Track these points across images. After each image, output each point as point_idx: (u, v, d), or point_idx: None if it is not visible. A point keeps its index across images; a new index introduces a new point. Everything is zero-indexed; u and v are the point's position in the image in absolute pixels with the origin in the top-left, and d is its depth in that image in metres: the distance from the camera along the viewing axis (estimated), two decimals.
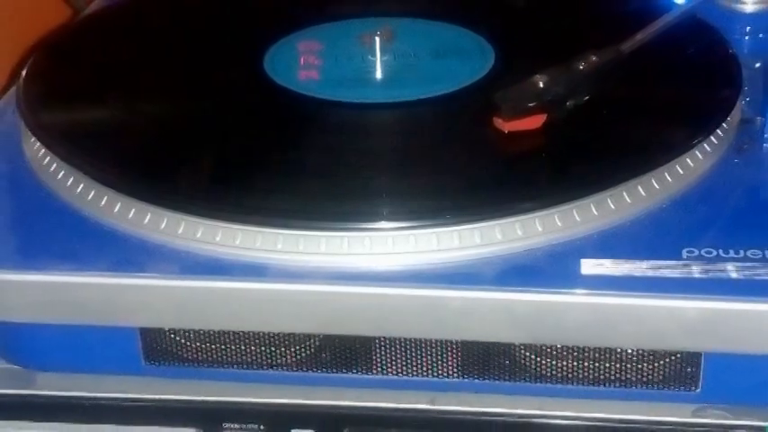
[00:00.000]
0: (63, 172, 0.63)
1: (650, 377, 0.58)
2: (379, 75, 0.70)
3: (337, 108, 0.67)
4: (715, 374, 0.57)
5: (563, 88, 0.64)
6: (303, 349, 0.59)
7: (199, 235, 0.58)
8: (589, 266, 0.56)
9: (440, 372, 0.59)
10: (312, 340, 0.59)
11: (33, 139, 0.66)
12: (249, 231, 0.58)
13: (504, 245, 0.57)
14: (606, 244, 0.57)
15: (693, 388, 0.57)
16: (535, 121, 0.63)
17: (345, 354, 0.59)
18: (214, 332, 0.59)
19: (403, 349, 0.58)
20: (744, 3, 0.78)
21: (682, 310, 0.54)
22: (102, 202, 0.60)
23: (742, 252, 0.56)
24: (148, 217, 0.59)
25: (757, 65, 0.71)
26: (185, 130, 0.67)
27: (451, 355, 0.58)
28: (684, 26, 0.71)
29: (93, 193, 0.61)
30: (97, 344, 0.59)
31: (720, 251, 0.56)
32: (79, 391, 0.60)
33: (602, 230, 0.58)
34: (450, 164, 0.62)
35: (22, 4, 0.94)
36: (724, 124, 0.64)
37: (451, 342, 0.58)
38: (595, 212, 0.59)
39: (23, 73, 0.72)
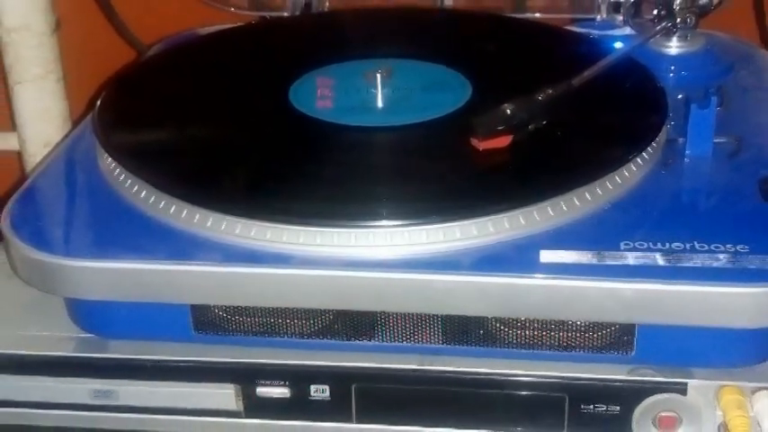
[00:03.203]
0: (130, 181, 0.63)
1: (595, 343, 0.58)
2: (380, 104, 0.70)
3: (347, 131, 0.67)
4: (646, 341, 0.57)
5: (526, 114, 0.64)
6: (320, 321, 0.59)
7: (237, 231, 0.58)
8: (547, 256, 0.56)
9: (428, 339, 0.59)
10: (327, 314, 0.59)
11: (106, 155, 0.66)
12: (277, 228, 0.58)
13: (479, 239, 0.57)
14: (560, 238, 0.57)
15: (629, 352, 0.58)
16: (504, 141, 0.63)
17: (353, 325, 0.59)
18: (249, 308, 0.59)
19: (399, 321, 0.59)
20: (669, 47, 0.78)
21: (619, 290, 0.54)
22: (161, 205, 0.61)
23: (668, 244, 0.56)
24: (197, 217, 0.59)
25: (680, 96, 0.70)
26: (226, 148, 0.67)
27: (437, 327, 0.59)
28: (622, 65, 0.71)
29: (153, 197, 0.61)
30: (156, 317, 0.60)
31: (650, 243, 0.56)
32: (142, 354, 0.60)
33: (557, 227, 0.58)
34: (436, 175, 0.62)
35: (97, 49, 0.95)
36: (653, 143, 0.64)
37: (437, 316, 0.58)
38: (551, 213, 0.59)
39: (98, 103, 0.72)
